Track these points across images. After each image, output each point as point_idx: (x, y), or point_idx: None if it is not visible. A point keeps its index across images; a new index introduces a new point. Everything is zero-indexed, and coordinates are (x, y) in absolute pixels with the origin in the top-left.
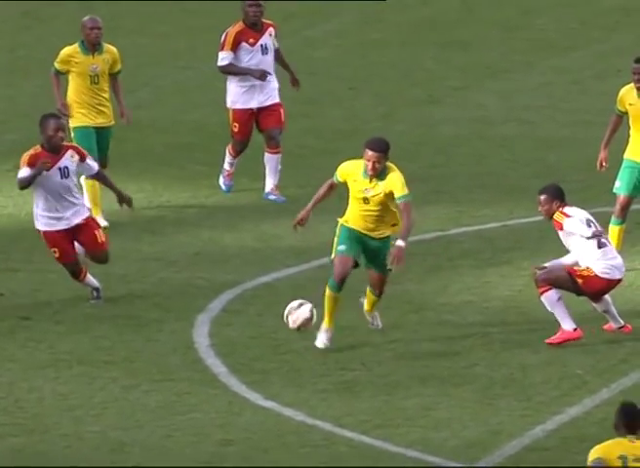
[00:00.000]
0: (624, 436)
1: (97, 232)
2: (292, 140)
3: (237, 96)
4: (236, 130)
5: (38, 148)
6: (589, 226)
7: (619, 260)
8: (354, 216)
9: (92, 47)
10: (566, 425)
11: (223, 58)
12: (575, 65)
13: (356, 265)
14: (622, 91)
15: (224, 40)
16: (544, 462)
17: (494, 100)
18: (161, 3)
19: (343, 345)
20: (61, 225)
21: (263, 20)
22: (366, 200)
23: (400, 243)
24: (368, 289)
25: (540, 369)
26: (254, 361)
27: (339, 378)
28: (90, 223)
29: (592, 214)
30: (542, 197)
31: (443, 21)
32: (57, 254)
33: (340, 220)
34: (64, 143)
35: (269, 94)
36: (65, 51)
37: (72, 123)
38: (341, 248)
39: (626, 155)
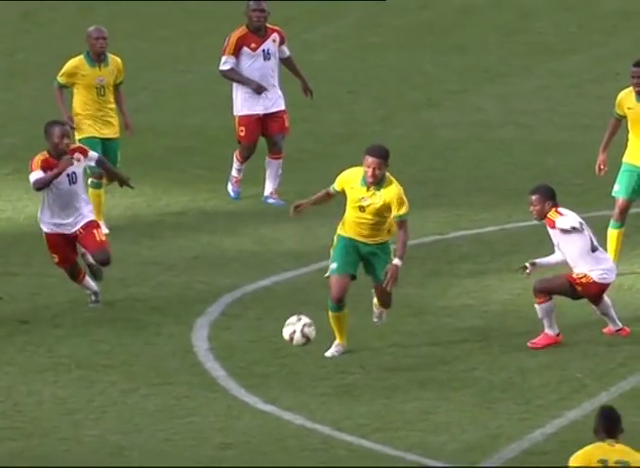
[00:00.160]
0: (604, 440)
1: (95, 231)
2: (291, 144)
3: (243, 101)
4: (243, 134)
5: (45, 154)
6: (582, 227)
7: (611, 262)
8: (349, 223)
9: (97, 57)
10: (565, 429)
11: (225, 62)
12: (573, 69)
13: (353, 278)
14: (621, 94)
15: (226, 44)
16: (544, 466)
17: (492, 104)
18: (161, 7)
19: None
20: (65, 230)
21: (268, 26)
22: (362, 208)
23: (397, 262)
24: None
25: (539, 372)
26: (253, 364)
27: (338, 382)
28: (89, 224)
29: (591, 218)
30: (534, 197)
31: (441, 25)
32: (56, 259)
33: (338, 229)
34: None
35: (275, 100)
36: (71, 63)
37: (78, 135)
38: (334, 266)
39: (625, 159)
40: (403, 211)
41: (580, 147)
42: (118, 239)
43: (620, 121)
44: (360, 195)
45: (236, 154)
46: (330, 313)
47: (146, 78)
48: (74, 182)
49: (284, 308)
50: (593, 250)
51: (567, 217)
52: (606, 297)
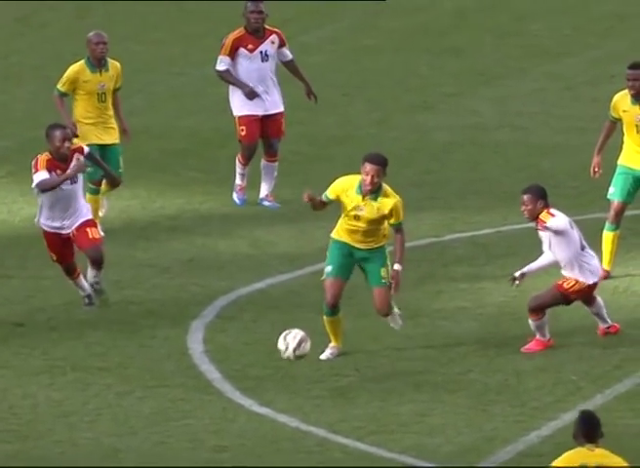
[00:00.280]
0: (583, 445)
1: (89, 229)
2: (285, 146)
3: (243, 102)
4: (244, 133)
5: (48, 155)
6: (572, 226)
7: (597, 261)
8: (344, 230)
9: (98, 63)
10: (560, 431)
11: (220, 62)
12: (568, 71)
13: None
14: (616, 97)
15: (223, 44)
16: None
17: (487, 107)
18: (155, 9)
19: None
20: (62, 231)
21: (267, 27)
22: (357, 217)
23: (397, 267)
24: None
25: (534, 375)
26: (248, 367)
27: (333, 385)
28: (84, 223)
29: (586, 221)
30: (526, 196)
31: (436, 28)
32: (54, 258)
33: (332, 233)
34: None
35: (274, 101)
36: (72, 69)
37: (78, 141)
38: (329, 269)
39: (620, 161)
40: (400, 218)
41: (576, 150)
42: (113, 241)
43: (615, 124)
44: (355, 204)
45: (238, 157)
46: (324, 317)
47: (141, 80)
48: (75, 182)
49: (279, 311)
50: (582, 248)
51: (558, 218)
52: (598, 297)
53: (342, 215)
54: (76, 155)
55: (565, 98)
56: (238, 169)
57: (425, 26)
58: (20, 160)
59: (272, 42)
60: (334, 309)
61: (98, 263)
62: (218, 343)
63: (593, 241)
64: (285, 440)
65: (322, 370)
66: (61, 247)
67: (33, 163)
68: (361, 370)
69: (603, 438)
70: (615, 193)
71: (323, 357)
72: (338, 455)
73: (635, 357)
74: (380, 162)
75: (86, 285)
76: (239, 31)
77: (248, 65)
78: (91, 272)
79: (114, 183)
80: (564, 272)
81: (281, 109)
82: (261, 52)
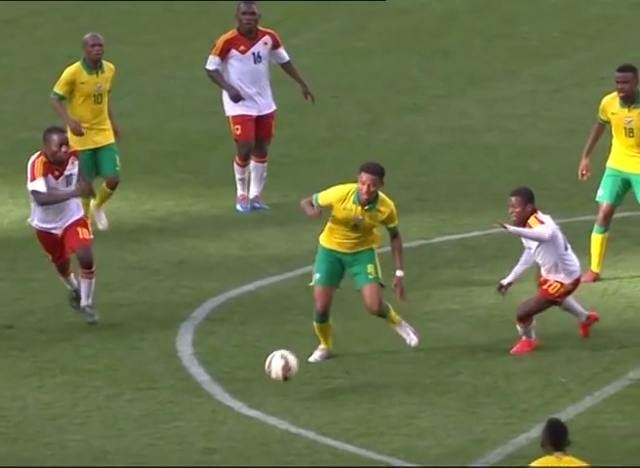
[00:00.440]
0: (552, 453)
1: (79, 229)
2: (275, 149)
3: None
4: (239, 132)
5: (43, 158)
6: (557, 230)
7: (576, 258)
8: (334, 237)
9: (94, 64)
10: None
11: (210, 62)
12: (557, 74)
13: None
14: (605, 99)
15: (215, 45)
16: None
17: (477, 109)
18: (145, 12)
19: None
20: (55, 230)
21: (261, 29)
22: (356, 227)
23: (400, 273)
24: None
25: (523, 377)
26: (237, 369)
27: (322, 387)
28: (74, 222)
29: (575, 223)
30: (515, 199)
31: (426, 30)
32: (49, 258)
33: (320, 238)
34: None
35: (267, 103)
36: (69, 71)
37: (73, 145)
38: (318, 277)
39: (609, 163)
40: (396, 222)
41: (565, 152)
42: (102, 244)
43: (604, 126)
44: (355, 214)
45: (236, 160)
46: (314, 324)
47: (130, 82)
48: (70, 184)
49: (268, 313)
50: (565, 248)
51: (546, 226)
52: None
53: (333, 224)
54: (71, 158)
55: (554, 101)
56: (237, 174)
57: (415, 29)
58: (10, 162)
59: (265, 43)
60: (324, 317)
61: (87, 264)
62: (207, 345)
63: (582, 243)
64: (274, 442)
65: (311, 373)
66: (55, 246)
67: (29, 166)
68: (350, 373)
69: (570, 446)
70: (603, 195)
71: (312, 359)
72: (327, 457)
73: (624, 359)
74: (377, 171)
75: (75, 282)
76: (232, 32)
77: (240, 67)
78: (84, 292)
79: (83, 194)
80: (546, 274)
81: (273, 108)
82: (254, 53)
